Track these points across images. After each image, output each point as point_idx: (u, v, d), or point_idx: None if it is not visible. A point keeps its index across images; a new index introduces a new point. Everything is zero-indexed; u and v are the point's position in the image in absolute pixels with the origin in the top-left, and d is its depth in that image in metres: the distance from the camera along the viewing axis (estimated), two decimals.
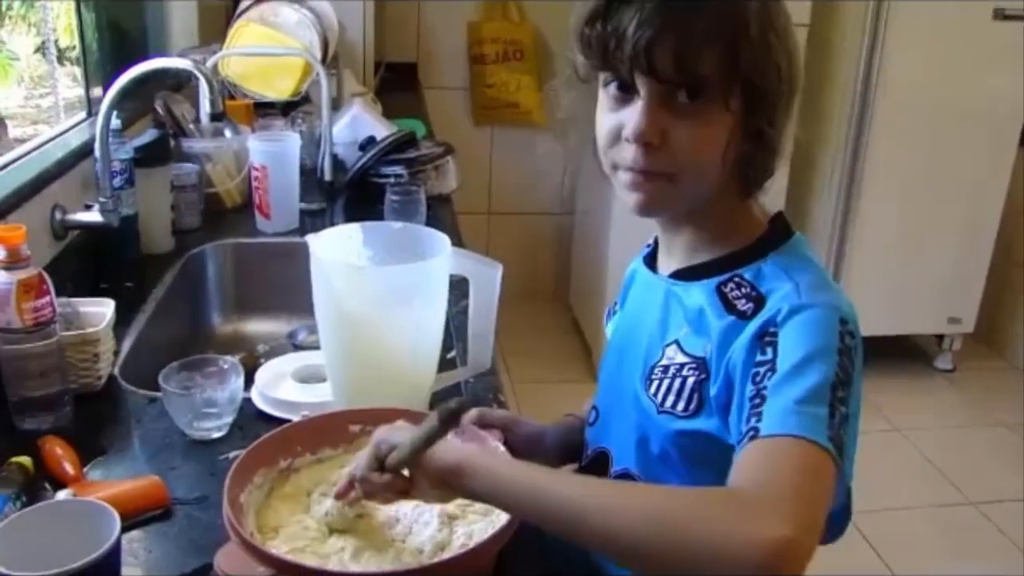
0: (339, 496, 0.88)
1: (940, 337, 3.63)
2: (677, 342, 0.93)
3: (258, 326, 1.83)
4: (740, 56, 0.82)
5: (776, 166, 0.91)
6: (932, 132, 3.23)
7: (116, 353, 1.34)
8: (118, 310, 1.32)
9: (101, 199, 1.53)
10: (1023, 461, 3.09)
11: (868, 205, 3.30)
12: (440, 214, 1.99)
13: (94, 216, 1.53)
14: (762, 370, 0.81)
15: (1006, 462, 3.09)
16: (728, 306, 0.89)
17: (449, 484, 0.80)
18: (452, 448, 0.82)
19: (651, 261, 1.02)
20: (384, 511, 0.92)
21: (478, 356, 1.16)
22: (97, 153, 1.51)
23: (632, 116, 0.85)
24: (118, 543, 0.80)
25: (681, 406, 0.91)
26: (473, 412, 1.04)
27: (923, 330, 3.68)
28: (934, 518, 2.80)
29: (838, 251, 3.37)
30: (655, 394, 0.93)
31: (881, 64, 3.12)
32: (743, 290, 0.88)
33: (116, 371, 1.31)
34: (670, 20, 0.81)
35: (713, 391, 0.87)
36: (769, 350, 0.81)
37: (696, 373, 0.90)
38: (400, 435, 0.84)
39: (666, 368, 0.93)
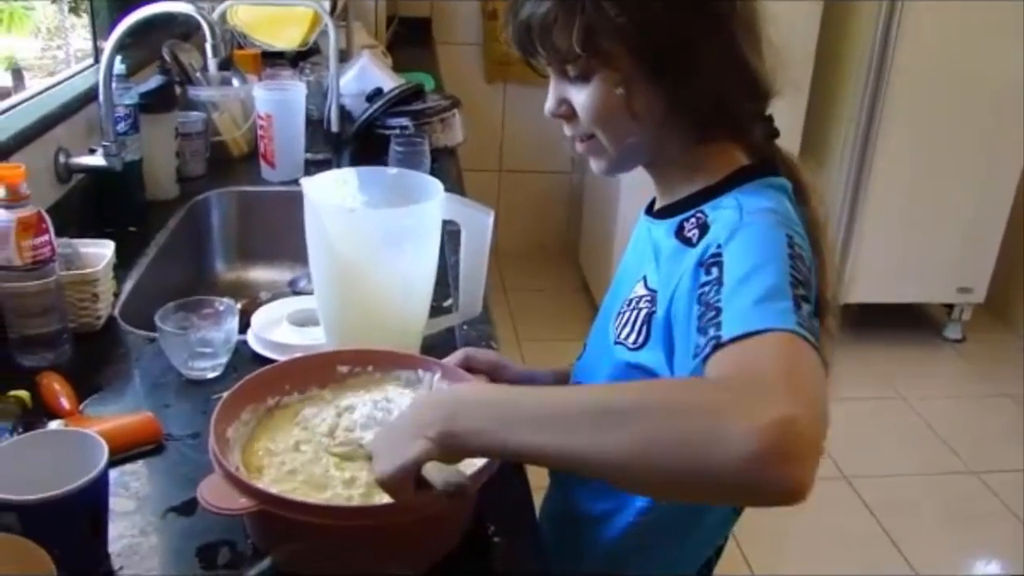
0: None
1: (950, 307, 3.62)
2: (644, 277, 0.94)
3: (260, 274, 1.84)
4: (588, 22, 0.84)
5: (734, 103, 0.89)
6: (948, 101, 3.19)
7: (116, 295, 1.35)
8: (121, 253, 1.33)
9: (104, 143, 1.54)
10: None
11: (880, 173, 3.27)
12: (445, 166, 1.99)
13: (97, 160, 1.54)
14: (708, 288, 0.77)
15: (1009, 433, 3.09)
16: (679, 235, 0.89)
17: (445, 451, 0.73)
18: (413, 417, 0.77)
19: (651, 206, 1.03)
20: None
21: (469, 302, 1.16)
22: (100, 97, 1.52)
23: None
24: (105, 473, 0.82)
25: (632, 338, 0.92)
26: (459, 353, 1.05)
27: (933, 299, 3.66)
28: (935, 486, 2.81)
29: (849, 219, 3.35)
30: (617, 326, 0.95)
31: (898, 32, 3.08)
32: (698, 221, 0.88)
33: (116, 312, 1.33)
34: (520, 12, 0.89)
35: (661, 320, 0.87)
36: (714, 269, 0.78)
37: (649, 305, 0.90)
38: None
39: (631, 301, 0.94)
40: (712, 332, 0.72)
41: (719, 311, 0.73)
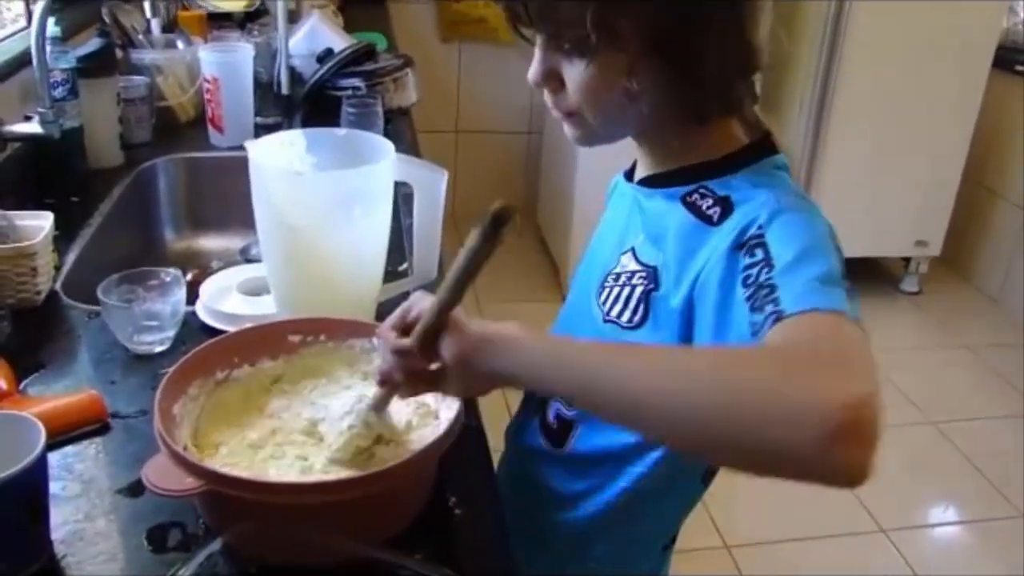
0: (381, 384, 0.83)
1: (907, 260, 3.64)
2: (633, 250, 0.90)
3: (212, 242, 1.79)
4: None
5: (736, 82, 0.85)
6: (904, 55, 3.18)
7: (58, 268, 1.30)
8: (63, 225, 1.28)
9: (40, 109, 1.47)
10: (982, 382, 3.14)
11: (838, 128, 3.27)
12: (399, 128, 1.95)
13: (34, 127, 1.47)
14: (755, 270, 0.73)
15: (966, 383, 3.14)
16: (692, 210, 0.84)
17: (471, 360, 0.74)
18: (483, 323, 0.76)
19: (632, 172, 0.99)
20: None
21: (424, 265, 1.13)
22: (34, 61, 1.45)
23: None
24: (43, 457, 0.78)
25: (626, 316, 0.88)
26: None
27: (890, 253, 3.69)
28: (894, 438, 2.82)
29: (808, 174, 3.35)
30: (603, 302, 0.91)
31: None
32: (708, 199, 0.83)
33: (58, 286, 1.28)
34: None
35: (675, 302, 0.82)
36: (759, 251, 0.74)
37: (645, 282, 0.87)
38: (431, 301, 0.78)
39: (618, 276, 0.90)
40: (771, 308, 0.69)
41: (774, 288, 0.70)
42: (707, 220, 0.82)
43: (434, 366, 0.79)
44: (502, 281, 3.46)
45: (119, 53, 1.87)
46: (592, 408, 0.73)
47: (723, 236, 0.79)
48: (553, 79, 0.86)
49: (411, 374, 0.81)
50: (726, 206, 0.82)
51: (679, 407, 0.64)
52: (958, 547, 2.49)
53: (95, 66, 1.64)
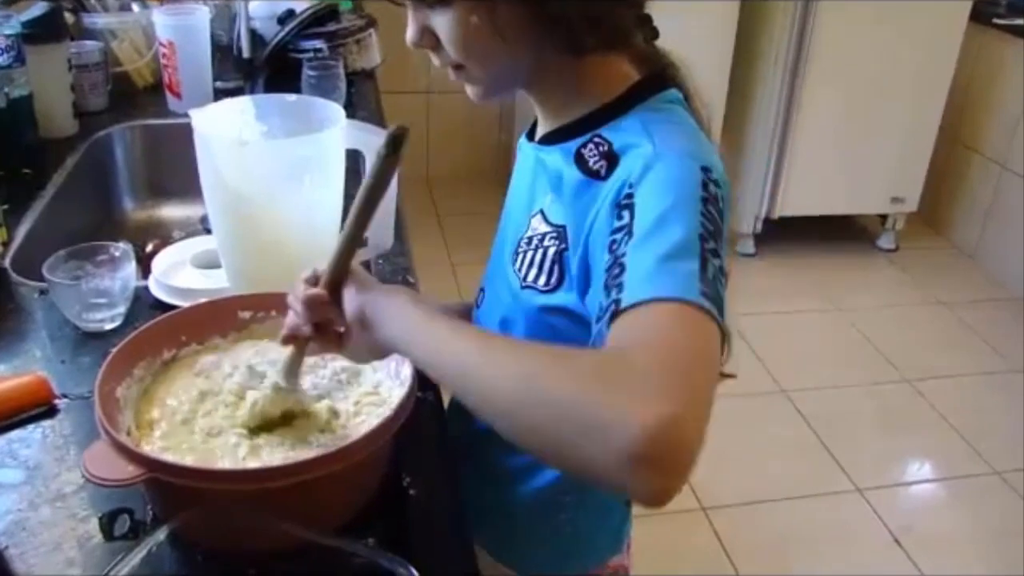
0: (285, 342, 0.83)
1: (884, 217, 3.63)
2: (542, 211, 0.87)
3: (173, 211, 1.74)
4: None
5: (606, 9, 0.80)
6: (880, 8, 3.14)
7: (6, 243, 1.26)
8: (12, 198, 1.24)
9: None
10: (957, 339, 3.14)
11: (813, 83, 3.23)
12: (363, 90, 1.90)
13: None
14: (619, 236, 0.71)
15: (941, 340, 3.14)
16: (582, 166, 0.82)
17: (365, 322, 0.75)
18: (375, 284, 0.78)
19: (533, 132, 0.95)
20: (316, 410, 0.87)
21: (378, 236, 1.09)
22: None
23: None
24: None
25: (543, 279, 0.85)
26: None
27: (867, 210, 3.67)
28: (869, 395, 2.85)
29: (782, 130, 3.32)
30: (519, 268, 0.88)
31: None
32: (600, 149, 0.81)
33: (6, 263, 1.23)
34: None
35: (574, 263, 0.81)
36: (626, 213, 0.72)
37: (556, 243, 0.84)
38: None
39: (530, 240, 0.87)
40: (614, 294, 0.67)
41: (623, 268, 0.68)
42: (594, 175, 0.80)
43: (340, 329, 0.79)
44: (476, 244, 3.40)
45: (70, 18, 1.81)
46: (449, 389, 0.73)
47: (608, 190, 0.77)
48: (428, 36, 0.83)
49: (320, 329, 0.81)
50: (611, 158, 0.79)
51: (512, 412, 0.64)
52: (933, 504, 2.50)
53: (42, 31, 1.58)
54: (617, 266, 0.69)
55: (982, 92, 3.53)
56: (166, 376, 0.89)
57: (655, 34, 0.88)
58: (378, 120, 1.81)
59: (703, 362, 0.62)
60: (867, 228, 3.76)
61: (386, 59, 2.06)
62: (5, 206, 1.31)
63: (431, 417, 0.94)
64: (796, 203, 3.43)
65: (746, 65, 3.29)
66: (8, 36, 1.47)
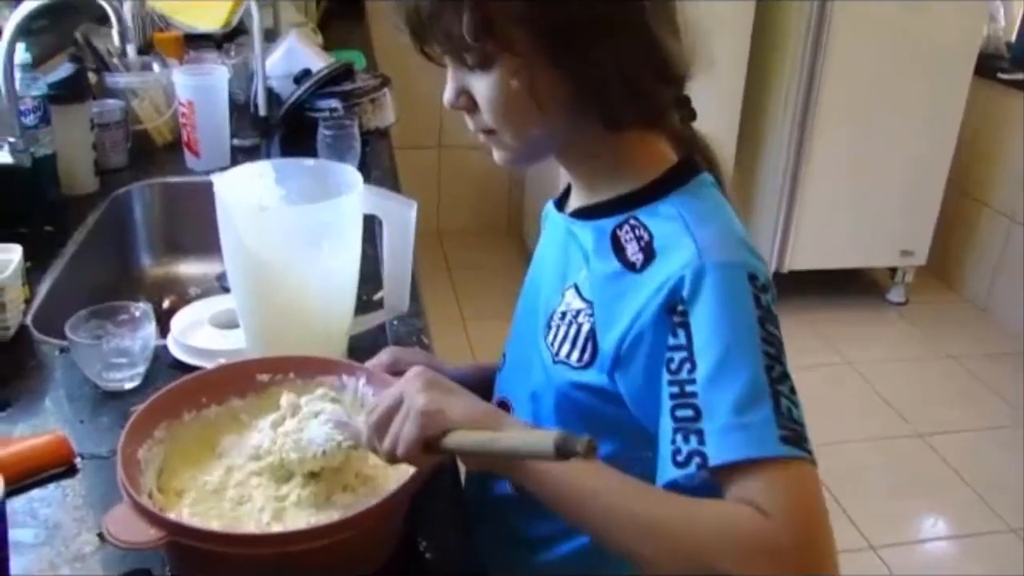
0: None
1: (893, 270, 3.64)
2: (576, 286, 0.87)
3: (190, 268, 1.76)
4: (480, 4, 0.77)
5: (645, 86, 0.82)
6: (886, 63, 3.19)
7: (28, 301, 1.28)
8: (35, 255, 1.26)
9: (11, 139, 1.45)
10: (969, 392, 3.13)
11: (821, 138, 3.27)
12: (377, 149, 1.93)
13: (3, 157, 1.45)
14: (676, 357, 0.74)
15: (953, 394, 3.13)
16: (617, 249, 0.83)
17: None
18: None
19: (563, 201, 0.97)
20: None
21: (395, 299, 1.11)
22: (2, 89, 1.43)
23: None
24: (1, 505, 0.76)
25: (576, 355, 0.85)
26: (386, 355, 1.00)
27: (876, 263, 3.68)
28: (882, 450, 2.83)
29: (791, 184, 3.35)
30: (552, 342, 0.88)
31: None
32: (636, 233, 0.82)
33: (28, 320, 1.25)
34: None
35: (609, 343, 0.81)
36: (681, 333, 0.74)
37: (591, 319, 0.84)
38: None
39: (564, 314, 0.88)
40: (694, 443, 0.71)
41: (699, 414, 0.72)
42: (630, 267, 0.81)
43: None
44: (487, 299, 3.45)
45: (93, 77, 1.85)
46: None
47: (650, 287, 0.78)
48: (465, 98, 0.85)
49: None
50: (649, 254, 0.80)
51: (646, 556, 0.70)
52: (949, 563, 2.47)
53: (67, 92, 1.62)
54: (689, 407, 0.72)
55: (988, 145, 3.56)
56: (187, 435, 0.90)
57: (693, 116, 0.89)
58: (392, 179, 1.84)
59: (813, 514, 0.69)
60: (877, 281, 3.77)
61: (399, 117, 2.10)
62: (28, 264, 1.34)
63: (448, 481, 0.95)
64: (806, 257, 3.45)
65: (754, 120, 3.32)
66: (35, 97, 1.51)
